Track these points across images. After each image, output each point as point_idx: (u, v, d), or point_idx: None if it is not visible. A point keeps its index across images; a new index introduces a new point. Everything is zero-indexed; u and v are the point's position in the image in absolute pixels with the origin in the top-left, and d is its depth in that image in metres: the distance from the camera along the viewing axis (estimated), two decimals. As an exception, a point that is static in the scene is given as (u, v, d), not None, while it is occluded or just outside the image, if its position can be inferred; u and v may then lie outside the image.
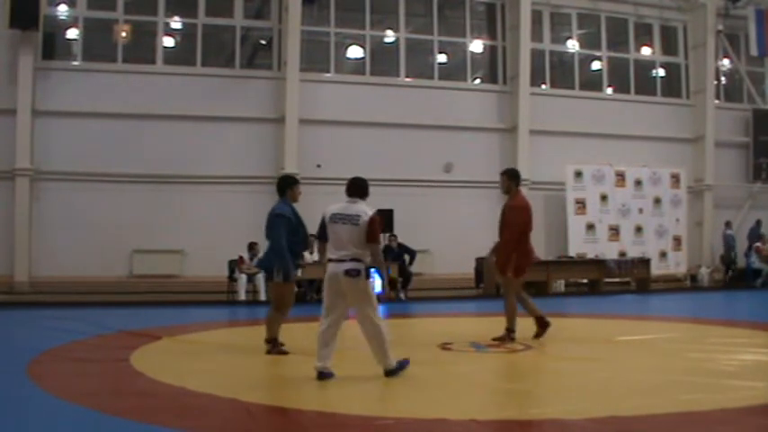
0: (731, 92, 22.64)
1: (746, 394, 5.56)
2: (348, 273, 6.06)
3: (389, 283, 15.30)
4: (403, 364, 6.28)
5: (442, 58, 20.10)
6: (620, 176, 19.59)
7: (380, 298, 14.28)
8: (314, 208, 18.94)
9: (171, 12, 18.18)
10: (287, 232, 7.56)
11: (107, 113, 17.04)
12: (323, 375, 6.09)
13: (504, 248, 8.32)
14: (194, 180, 17.42)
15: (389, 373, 6.18)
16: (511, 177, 8.50)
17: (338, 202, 6.41)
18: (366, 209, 6.27)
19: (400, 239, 16.40)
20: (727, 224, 20.46)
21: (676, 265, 19.97)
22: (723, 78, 22.49)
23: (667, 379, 6.25)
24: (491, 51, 20.38)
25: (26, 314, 12.61)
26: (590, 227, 19.27)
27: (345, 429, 4.75)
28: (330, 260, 6.22)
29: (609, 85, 21.17)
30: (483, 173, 19.21)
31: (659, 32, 21.68)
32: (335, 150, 18.10)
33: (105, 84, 17.13)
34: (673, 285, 19.46)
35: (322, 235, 6.40)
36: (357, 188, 6.41)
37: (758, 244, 19.55)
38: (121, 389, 6.01)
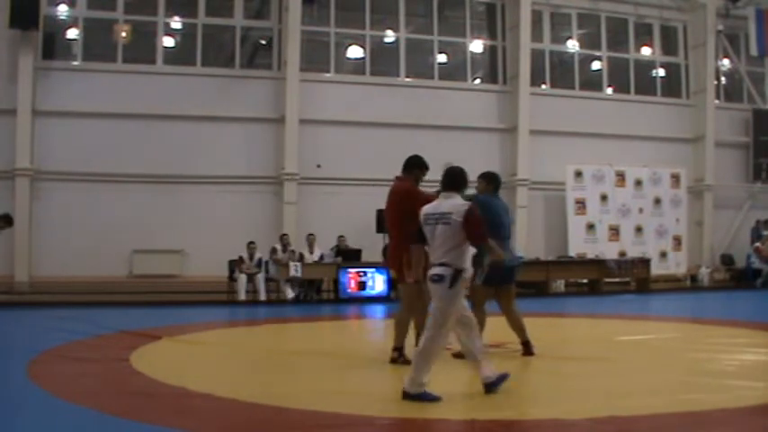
0: (731, 92, 22.63)
1: (746, 394, 5.56)
2: (430, 278, 5.50)
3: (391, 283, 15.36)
4: (426, 397, 5.40)
5: (442, 58, 20.09)
6: (620, 176, 19.58)
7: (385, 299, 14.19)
8: (314, 208, 19.17)
9: (171, 12, 18.18)
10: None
11: (107, 113, 17.04)
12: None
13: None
14: (194, 180, 17.41)
15: (407, 395, 5.41)
16: None
17: (444, 200, 5.66)
18: (460, 204, 5.55)
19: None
20: None
21: (676, 265, 19.96)
22: (723, 78, 22.47)
23: (667, 379, 6.25)
24: (491, 51, 20.38)
25: (26, 314, 12.62)
26: (590, 227, 19.26)
27: (346, 429, 4.75)
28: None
29: (609, 85, 21.16)
30: (483, 173, 19.21)
31: (659, 32, 21.67)
32: (335, 150, 18.11)
33: (105, 84, 17.13)
34: (673, 285, 19.44)
35: (419, 237, 5.79)
36: (451, 179, 5.71)
37: (758, 244, 19.53)
38: (121, 389, 6.01)
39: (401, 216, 7.11)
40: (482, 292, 7.41)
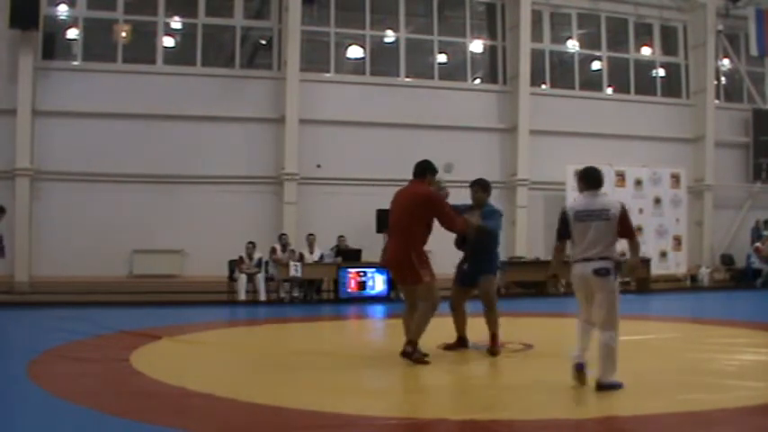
0: (731, 92, 22.63)
1: (746, 394, 5.56)
2: (597, 272, 5.75)
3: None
4: (616, 385, 5.69)
5: (442, 58, 20.09)
6: (620, 176, 19.56)
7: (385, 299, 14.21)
8: (314, 208, 19.15)
9: (171, 12, 18.18)
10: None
11: (107, 113, 17.04)
12: (579, 367, 5.72)
13: None
14: (194, 180, 17.41)
15: (601, 386, 5.64)
16: None
17: (590, 197, 5.98)
18: (614, 201, 6.02)
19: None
20: None
21: (676, 265, 19.95)
22: (723, 78, 22.47)
23: (667, 379, 6.25)
24: (491, 51, 20.38)
25: (26, 314, 12.62)
26: (590, 227, 19.23)
27: (345, 429, 4.75)
28: (575, 259, 5.93)
29: (609, 85, 21.16)
30: (483, 173, 19.04)
31: (659, 32, 21.67)
32: (335, 150, 18.10)
33: (105, 84, 17.13)
34: (673, 285, 19.43)
35: (564, 233, 6.05)
36: (595, 179, 6.09)
37: (758, 244, 19.54)
38: (121, 389, 6.01)
39: (418, 219, 7.15)
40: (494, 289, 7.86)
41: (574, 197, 6.28)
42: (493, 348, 7.58)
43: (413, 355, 6.96)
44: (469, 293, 7.84)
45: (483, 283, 7.75)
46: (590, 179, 6.06)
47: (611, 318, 5.75)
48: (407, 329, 7.28)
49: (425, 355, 7.11)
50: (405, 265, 7.17)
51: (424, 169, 7.49)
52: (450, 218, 7.24)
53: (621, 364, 7.07)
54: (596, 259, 5.75)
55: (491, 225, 7.66)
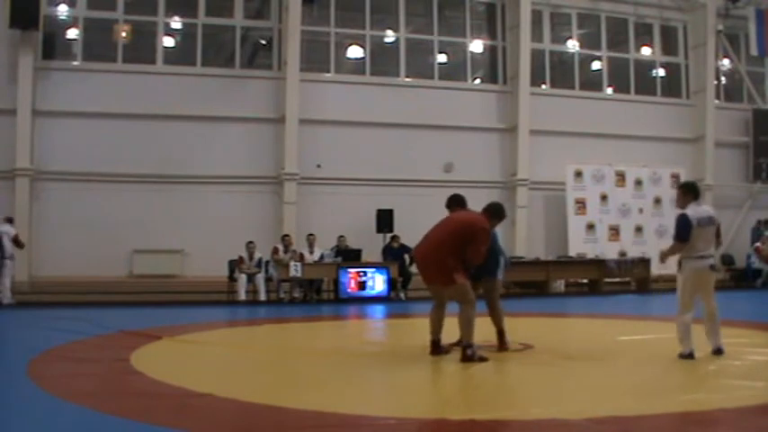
0: (731, 92, 22.64)
1: (746, 394, 5.56)
2: (712, 267, 7.18)
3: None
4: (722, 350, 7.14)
5: (442, 58, 20.10)
6: (620, 176, 19.58)
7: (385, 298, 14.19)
8: (314, 208, 19.16)
9: (171, 12, 18.19)
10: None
11: (107, 113, 17.05)
12: (691, 356, 6.98)
13: None
14: (194, 180, 17.42)
15: (718, 351, 7.11)
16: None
17: (698, 206, 7.21)
18: (711, 209, 7.45)
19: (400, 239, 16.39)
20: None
21: (677, 265, 19.92)
22: (723, 78, 22.48)
23: (667, 379, 6.25)
24: (491, 51, 20.39)
25: (26, 314, 12.61)
26: (590, 227, 19.26)
27: (346, 429, 4.75)
28: (692, 257, 7.23)
29: (609, 85, 21.17)
30: (483, 173, 19.21)
31: (659, 32, 21.68)
32: (335, 150, 18.11)
33: (105, 84, 17.14)
34: (673, 285, 19.27)
35: (687, 237, 7.19)
36: (698, 191, 7.33)
37: (758, 244, 19.54)
38: (121, 389, 6.01)
39: (461, 244, 7.18)
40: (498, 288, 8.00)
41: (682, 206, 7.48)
42: (500, 346, 7.66)
43: (473, 356, 6.99)
44: (478, 289, 7.81)
45: (485, 285, 7.83)
46: (696, 191, 7.28)
47: (714, 296, 7.30)
48: (433, 328, 7.38)
49: (484, 358, 7.13)
50: (437, 267, 7.20)
51: (496, 213, 7.64)
52: (480, 254, 7.28)
53: (622, 364, 7.10)
54: (709, 257, 7.14)
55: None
